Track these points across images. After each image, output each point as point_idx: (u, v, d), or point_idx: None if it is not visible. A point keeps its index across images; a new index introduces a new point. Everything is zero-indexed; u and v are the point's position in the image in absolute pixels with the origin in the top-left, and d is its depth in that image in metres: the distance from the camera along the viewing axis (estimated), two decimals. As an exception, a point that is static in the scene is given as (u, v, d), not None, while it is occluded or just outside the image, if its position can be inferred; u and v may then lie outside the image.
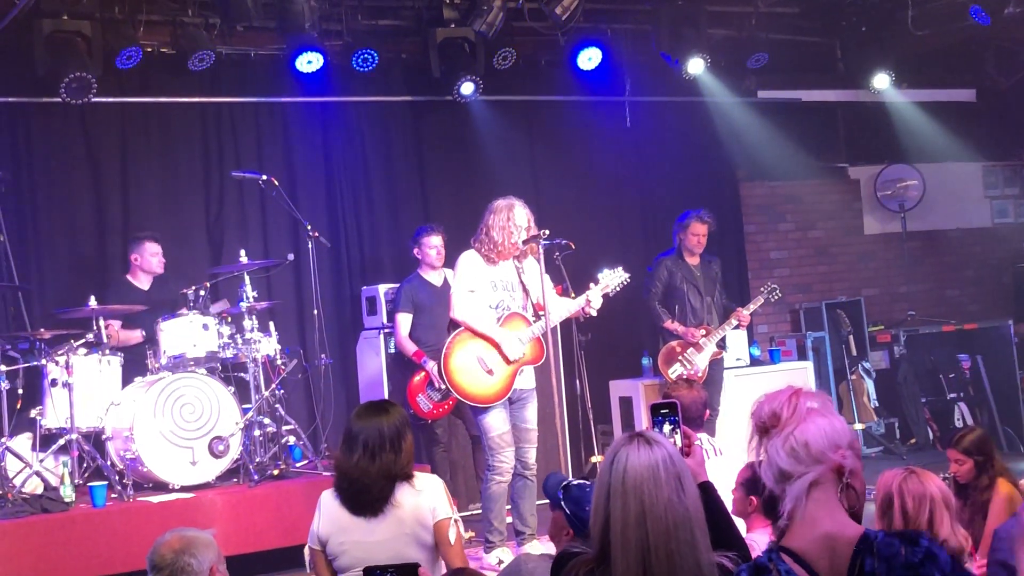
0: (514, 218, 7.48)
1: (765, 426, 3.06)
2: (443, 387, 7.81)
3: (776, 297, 9.95)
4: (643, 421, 10.11)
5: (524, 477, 7.52)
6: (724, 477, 5.58)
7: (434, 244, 9.07)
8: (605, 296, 7.77)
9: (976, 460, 5.83)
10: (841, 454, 2.90)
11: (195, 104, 9.92)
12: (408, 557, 4.65)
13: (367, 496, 4.67)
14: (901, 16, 10.88)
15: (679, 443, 3.46)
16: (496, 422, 7.39)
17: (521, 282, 7.66)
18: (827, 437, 2.91)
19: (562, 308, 7.61)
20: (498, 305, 7.55)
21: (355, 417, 4.79)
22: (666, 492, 2.99)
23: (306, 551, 4.87)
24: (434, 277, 9.11)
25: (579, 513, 4.06)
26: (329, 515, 4.74)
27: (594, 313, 7.68)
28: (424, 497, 4.75)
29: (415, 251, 9.15)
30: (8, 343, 8.14)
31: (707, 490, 3.36)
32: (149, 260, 8.96)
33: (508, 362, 7.45)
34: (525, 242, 7.50)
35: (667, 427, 3.53)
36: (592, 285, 7.71)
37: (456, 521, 4.82)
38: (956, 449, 5.89)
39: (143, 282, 9.02)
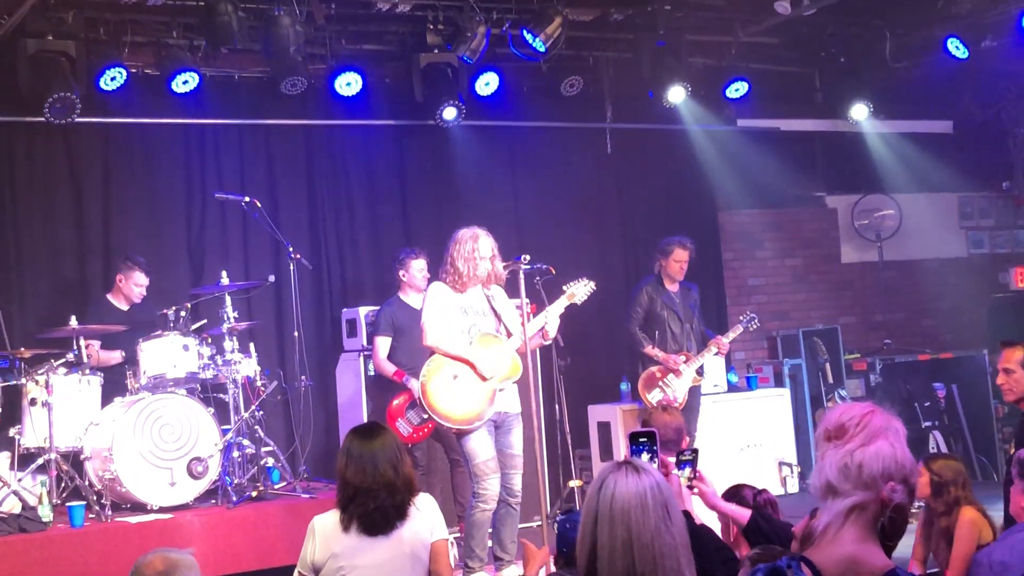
0: (478, 249, 7.45)
1: (829, 434, 3.02)
2: (425, 415, 7.80)
3: (754, 327, 10.02)
4: (620, 447, 10.16)
5: (508, 504, 7.46)
6: (698, 502, 5.63)
7: (421, 268, 9.11)
8: (573, 306, 7.79)
9: (933, 480, 5.88)
10: (891, 486, 2.86)
11: (178, 125, 9.94)
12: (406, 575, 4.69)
13: (392, 511, 4.70)
14: (880, 48, 11.00)
15: None
16: (480, 448, 7.33)
17: (492, 308, 7.67)
18: (883, 465, 2.87)
19: (514, 342, 7.59)
20: (469, 329, 7.53)
21: (360, 441, 4.79)
22: (653, 520, 3.01)
23: None
24: (414, 300, 9.12)
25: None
26: (326, 540, 4.73)
27: (552, 334, 7.68)
28: (423, 516, 4.79)
29: (400, 273, 9.17)
30: (-13, 362, 8.15)
31: (686, 518, 3.40)
32: (132, 288, 8.99)
33: (484, 380, 7.45)
34: (505, 267, 7.53)
35: (645, 456, 3.57)
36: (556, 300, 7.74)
37: (452, 543, 4.87)
38: (925, 463, 5.96)
39: (123, 302, 9.03)
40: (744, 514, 4.74)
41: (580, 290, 7.80)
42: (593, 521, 3.06)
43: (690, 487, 4.31)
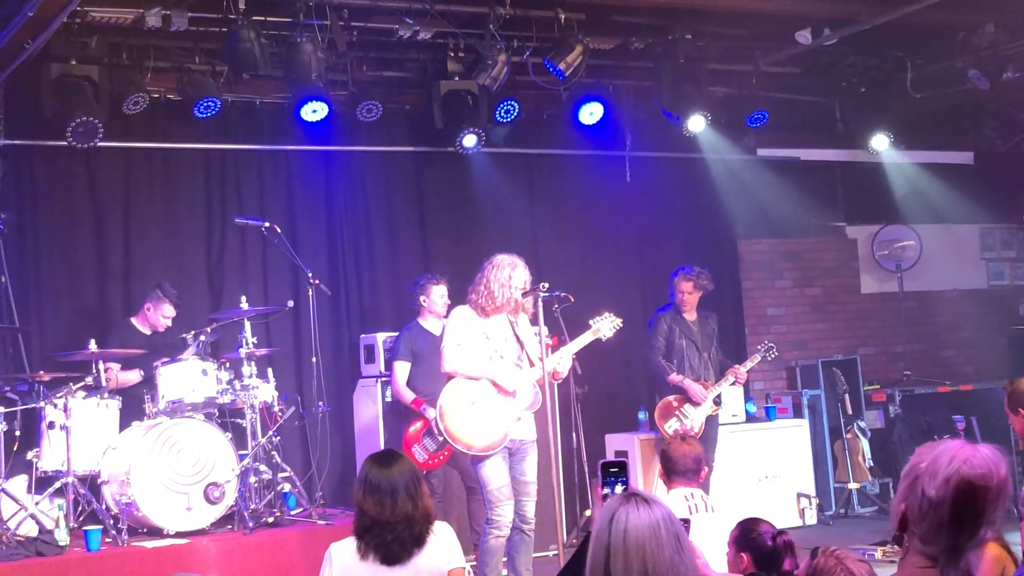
0: (514, 278, 7.44)
1: None
2: (441, 438, 7.77)
3: (773, 356, 9.98)
4: (638, 475, 10.12)
5: (522, 531, 7.44)
6: (716, 534, 5.60)
7: (442, 293, 9.11)
8: (599, 341, 7.77)
9: None
10: None
11: (200, 150, 9.99)
12: None
13: (409, 541, 4.67)
14: (900, 78, 11.01)
15: None
16: (494, 474, 7.32)
17: (515, 335, 7.65)
18: None
19: (535, 372, 7.59)
20: (491, 356, 7.51)
21: (379, 469, 4.75)
22: (668, 551, 2.98)
23: None
24: (433, 326, 9.11)
25: None
26: (344, 567, 4.70)
27: (563, 374, 7.66)
28: (440, 544, 4.77)
29: (420, 299, 9.17)
30: (7, 384, 8.17)
31: None
32: (159, 319, 9.02)
33: (508, 393, 7.42)
34: (524, 295, 7.50)
35: (619, 487, 3.54)
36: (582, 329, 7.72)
37: (469, 571, 4.84)
38: None
39: (146, 327, 9.06)
40: None
41: (606, 325, 7.76)
42: (605, 555, 3.01)
43: None
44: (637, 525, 3.01)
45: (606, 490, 3.57)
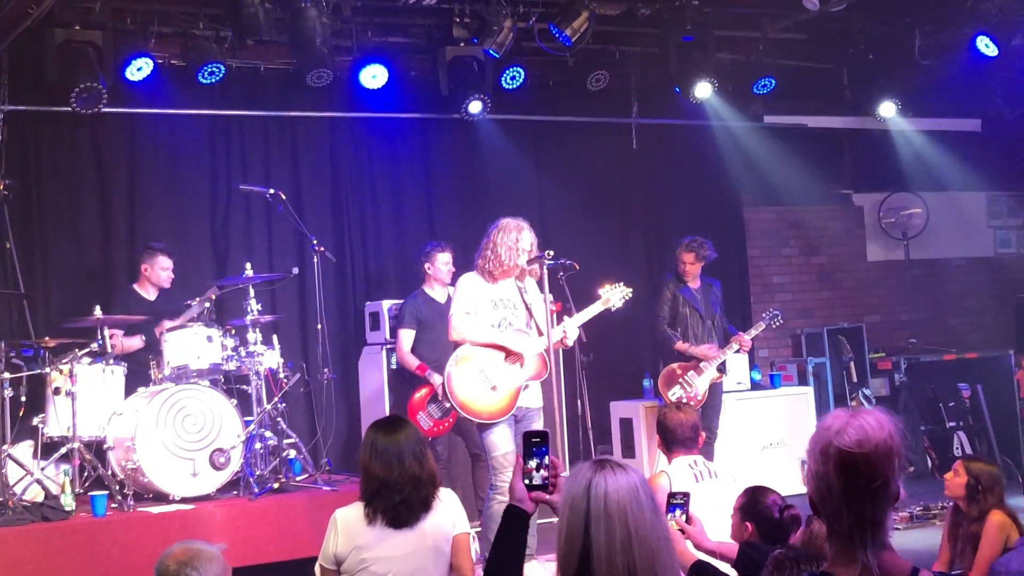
0: (520, 240, 7.44)
1: None
2: (447, 405, 7.78)
3: (777, 323, 9.96)
4: (642, 443, 10.13)
5: (526, 498, 7.46)
6: (720, 501, 5.60)
7: (447, 261, 9.10)
8: (608, 311, 7.75)
9: (970, 483, 5.86)
10: None
11: (204, 116, 9.96)
12: (428, 570, 4.68)
13: (417, 504, 4.67)
14: (908, 45, 10.94)
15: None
16: (500, 441, 7.33)
17: (524, 301, 7.64)
18: None
19: (543, 342, 7.57)
20: (500, 323, 7.51)
21: (384, 434, 4.74)
22: (647, 513, 2.97)
23: (317, 569, 4.83)
24: (439, 294, 9.12)
25: None
26: (349, 532, 4.69)
27: (570, 343, 7.64)
28: (444, 509, 4.77)
29: (425, 266, 9.16)
30: (12, 350, 8.16)
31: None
32: (159, 273, 9.00)
33: (518, 357, 7.42)
34: (529, 262, 7.48)
35: (547, 459, 3.54)
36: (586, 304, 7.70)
37: (474, 537, 4.84)
38: (964, 463, 5.94)
39: (150, 292, 9.06)
40: (732, 548, 4.74)
41: (615, 295, 7.74)
42: (584, 523, 2.97)
43: (681, 531, 4.32)
44: (617, 489, 2.98)
45: (534, 461, 3.54)
